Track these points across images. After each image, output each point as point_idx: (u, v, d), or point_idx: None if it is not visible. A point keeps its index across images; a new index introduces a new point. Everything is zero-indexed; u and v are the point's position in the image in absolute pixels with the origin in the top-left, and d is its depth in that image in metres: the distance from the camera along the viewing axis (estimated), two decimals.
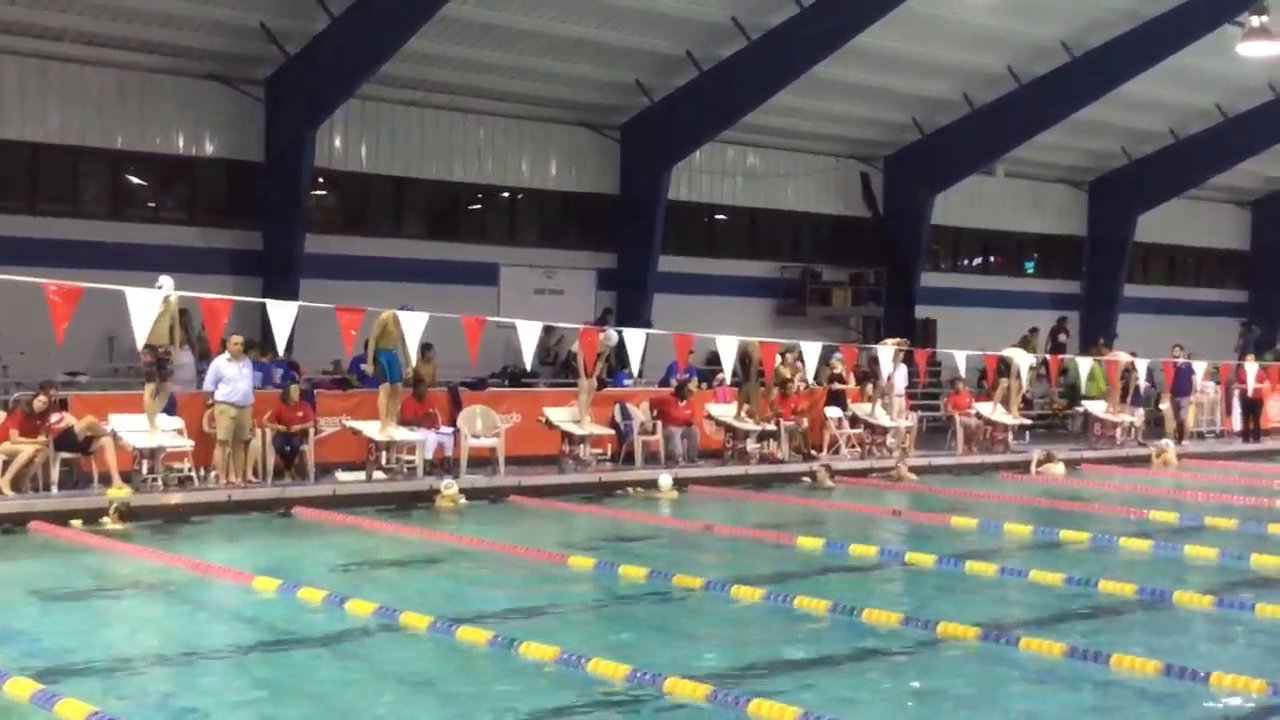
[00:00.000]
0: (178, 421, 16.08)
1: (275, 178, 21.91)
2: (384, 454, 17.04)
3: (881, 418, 21.25)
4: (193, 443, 15.92)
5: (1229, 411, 26.26)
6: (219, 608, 10.88)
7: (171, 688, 8.38)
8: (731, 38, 23.59)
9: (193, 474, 15.87)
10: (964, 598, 11.48)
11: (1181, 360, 23.85)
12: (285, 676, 8.65)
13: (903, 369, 21.71)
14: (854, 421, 21.35)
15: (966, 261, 32.31)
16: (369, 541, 13.90)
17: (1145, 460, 22.18)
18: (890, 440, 21.13)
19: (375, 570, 12.37)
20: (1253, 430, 25.20)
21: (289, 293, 19.40)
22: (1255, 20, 22.48)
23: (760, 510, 16.51)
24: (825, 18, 22.87)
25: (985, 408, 22.59)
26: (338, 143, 23.16)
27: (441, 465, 17.40)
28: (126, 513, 13.93)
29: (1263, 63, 25.20)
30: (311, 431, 16.75)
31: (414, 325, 13.94)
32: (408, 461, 17.14)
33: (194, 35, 20.86)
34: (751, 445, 19.79)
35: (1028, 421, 23.43)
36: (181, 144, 21.95)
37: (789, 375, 20.47)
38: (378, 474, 16.86)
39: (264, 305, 14.06)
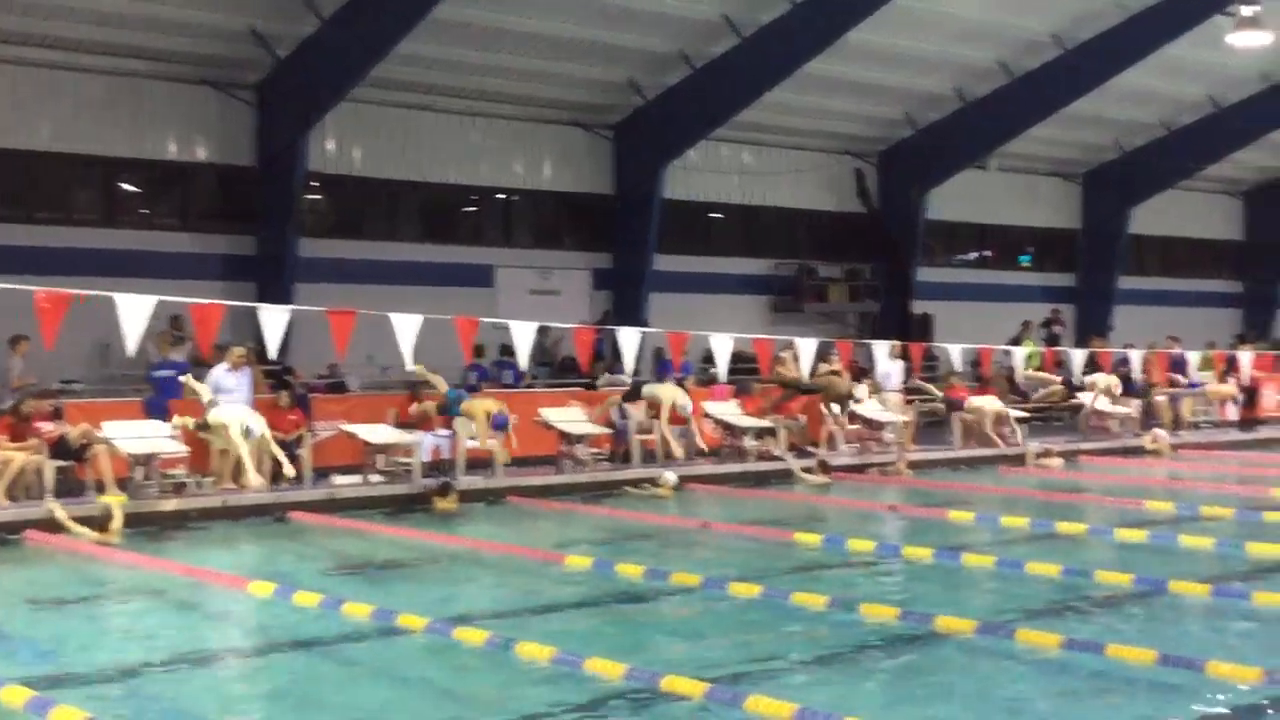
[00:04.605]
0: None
1: (268, 182, 21.93)
2: (380, 457, 17.04)
3: (878, 412, 21.23)
4: (188, 449, 15.90)
5: (1224, 401, 26.21)
6: (215, 613, 10.87)
7: (167, 694, 8.37)
8: (724, 35, 23.60)
9: (188, 480, 15.84)
10: (962, 591, 11.50)
11: (1176, 351, 23.84)
12: (282, 680, 8.65)
13: (899, 364, 21.70)
14: (852, 417, 21.32)
15: (962, 256, 32.32)
16: (366, 544, 13.88)
17: (1142, 451, 22.14)
18: (888, 435, 21.09)
19: (372, 573, 12.35)
20: (1249, 419, 25.19)
21: (283, 297, 19.42)
22: (1245, 10, 22.49)
23: (758, 507, 16.48)
24: (817, 14, 22.91)
25: (982, 401, 22.58)
26: (330, 146, 23.17)
27: (438, 468, 17.39)
28: (105, 522, 13.84)
29: (1253, 53, 25.25)
30: (307, 436, 16.74)
31: (407, 328, 13.90)
32: (404, 464, 17.13)
33: (184, 40, 20.86)
34: (749, 442, 19.78)
35: (1025, 415, 23.39)
36: (174, 150, 21.96)
37: (791, 375, 20.43)
38: (374, 477, 16.85)
39: (256, 310, 14.03)
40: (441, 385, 17.38)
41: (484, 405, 16.92)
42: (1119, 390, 22.50)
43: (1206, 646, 9.22)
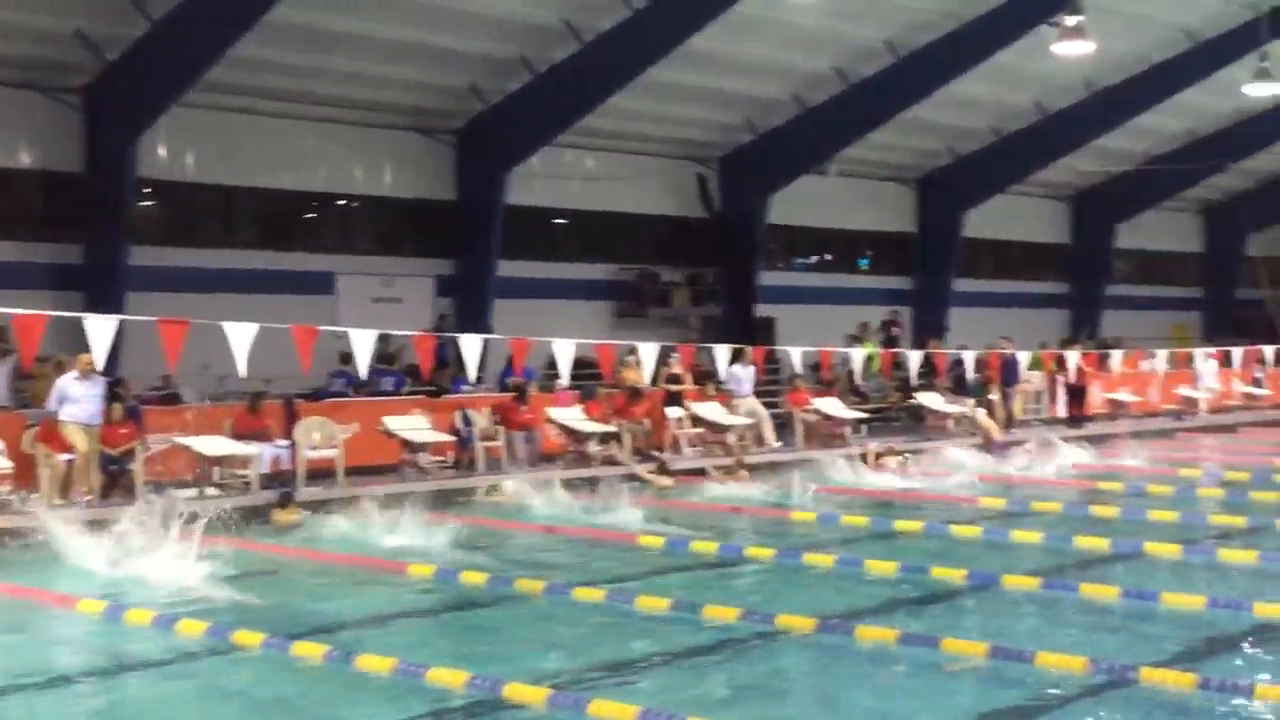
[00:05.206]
0: None
1: (96, 189, 21.23)
2: (216, 469, 16.65)
3: (721, 415, 21.46)
4: (13, 464, 15.33)
5: (1054, 399, 27.11)
6: (42, 633, 10.50)
7: None
8: (564, 41, 23.59)
9: (12, 497, 15.26)
10: (803, 589, 11.70)
11: (1008, 351, 24.55)
12: (114, 702, 8.42)
13: (751, 369, 22.02)
14: (695, 421, 21.52)
15: (803, 260, 32.80)
16: (202, 559, 13.51)
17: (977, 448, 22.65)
18: (730, 439, 21.30)
19: (208, 588, 12.02)
20: (1076, 416, 26.08)
21: (113, 307, 18.79)
22: (1069, 20, 23.23)
23: (602, 511, 16.49)
24: (656, 21, 23.02)
25: (823, 403, 23.02)
26: (163, 151, 22.53)
27: (278, 478, 17.05)
28: None
29: (1077, 61, 26.08)
30: (139, 449, 16.27)
31: (242, 337, 13.61)
32: (241, 476, 16.75)
33: (6, 43, 20.08)
34: (593, 448, 19.82)
35: (864, 415, 23.88)
36: None
37: (636, 379, 20.52)
38: (210, 490, 16.46)
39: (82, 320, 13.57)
40: None
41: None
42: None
43: (1036, 638, 9.53)
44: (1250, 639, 9.58)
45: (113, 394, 17.10)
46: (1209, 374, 29.20)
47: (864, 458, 20.80)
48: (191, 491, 16.37)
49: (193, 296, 20.83)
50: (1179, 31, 28.78)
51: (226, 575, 12.43)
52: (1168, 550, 12.82)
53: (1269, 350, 27.55)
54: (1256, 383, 30.69)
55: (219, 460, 16.65)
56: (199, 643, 9.59)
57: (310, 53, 22.08)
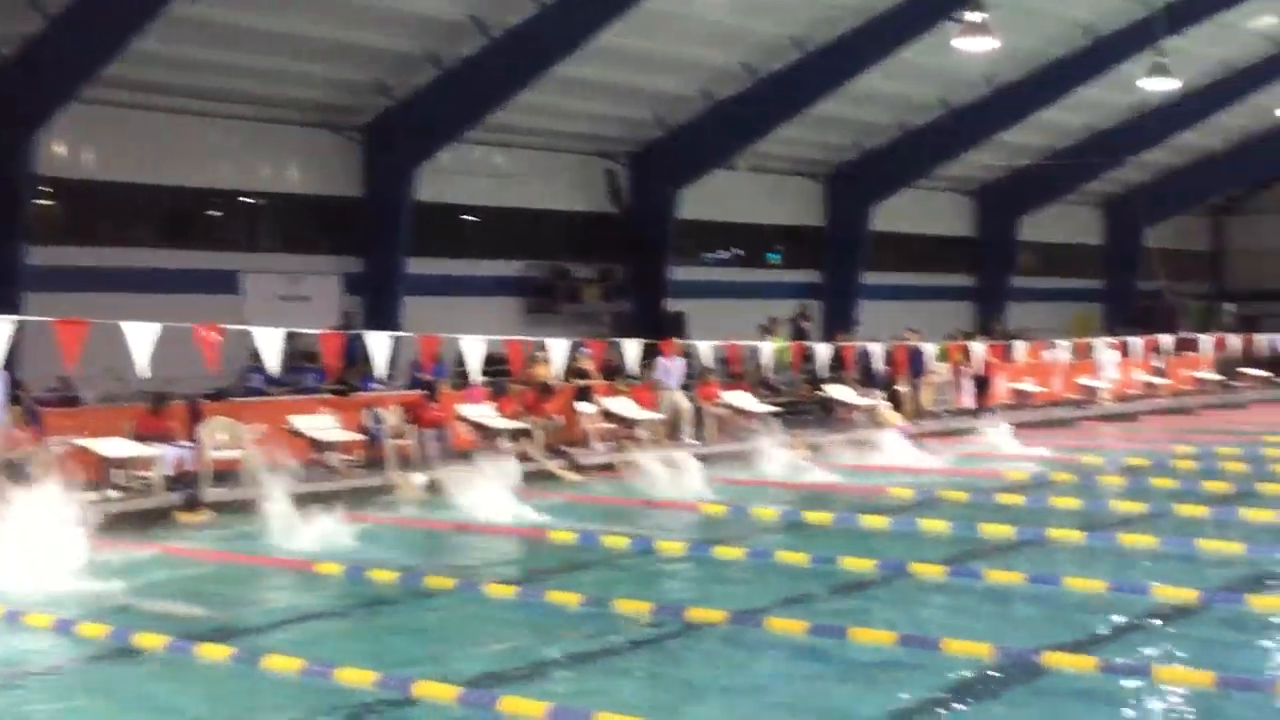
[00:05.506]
0: None
1: None
2: (119, 472, 16.33)
3: (633, 410, 21.48)
4: None
5: (959, 389, 27.44)
6: None
7: None
8: (472, 36, 23.45)
9: None
10: (714, 583, 11.74)
11: (913, 342, 24.84)
12: (13, 711, 8.21)
13: (680, 362, 22.12)
14: (607, 415, 21.52)
15: (713, 254, 32.92)
16: (103, 563, 13.26)
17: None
18: (641, 433, 21.33)
19: (111, 592, 11.79)
20: (983, 406, 26.45)
21: (10, 308, 18.36)
22: (972, 16, 23.53)
23: (513, 507, 16.42)
24: (564, 16, 22.98)
25: (734, 397, 23.13)
26: (61, 149, 22.08)
27: (182, 480, 16.77)
28: None
29: (979, 57, 26.45)
30: (38, 452, 15.89)
31: (143, 337, 13.37)
32: (144, 478, 16.45)
33: None
34: (505, 444, 19.73)
35: (775, 408, 24.02)
36: None
37: (546, 376, 20.48)
38: (112, 493, 16.14)
39: None
40: None
41: None
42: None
43: (944, 625, 9.65)
44: (1150, 621, 9.80)
45: (11, 396, 16.72)
46: (1110, 364, 29.76)
47: None
48: (93, 494, 16.05)
49: (94, 296, 20.42)
50: (1077, 28, 29.30)
51: (130, 579, 12.21)
52: (1071, 536, 13.05)
53: (1168, 340, 28.13)
54: (1156, 372, 31.34)
55: (121, 462, 16.34)
56: (101, 646, 9.42)
57: (213, 48, 21.73)
